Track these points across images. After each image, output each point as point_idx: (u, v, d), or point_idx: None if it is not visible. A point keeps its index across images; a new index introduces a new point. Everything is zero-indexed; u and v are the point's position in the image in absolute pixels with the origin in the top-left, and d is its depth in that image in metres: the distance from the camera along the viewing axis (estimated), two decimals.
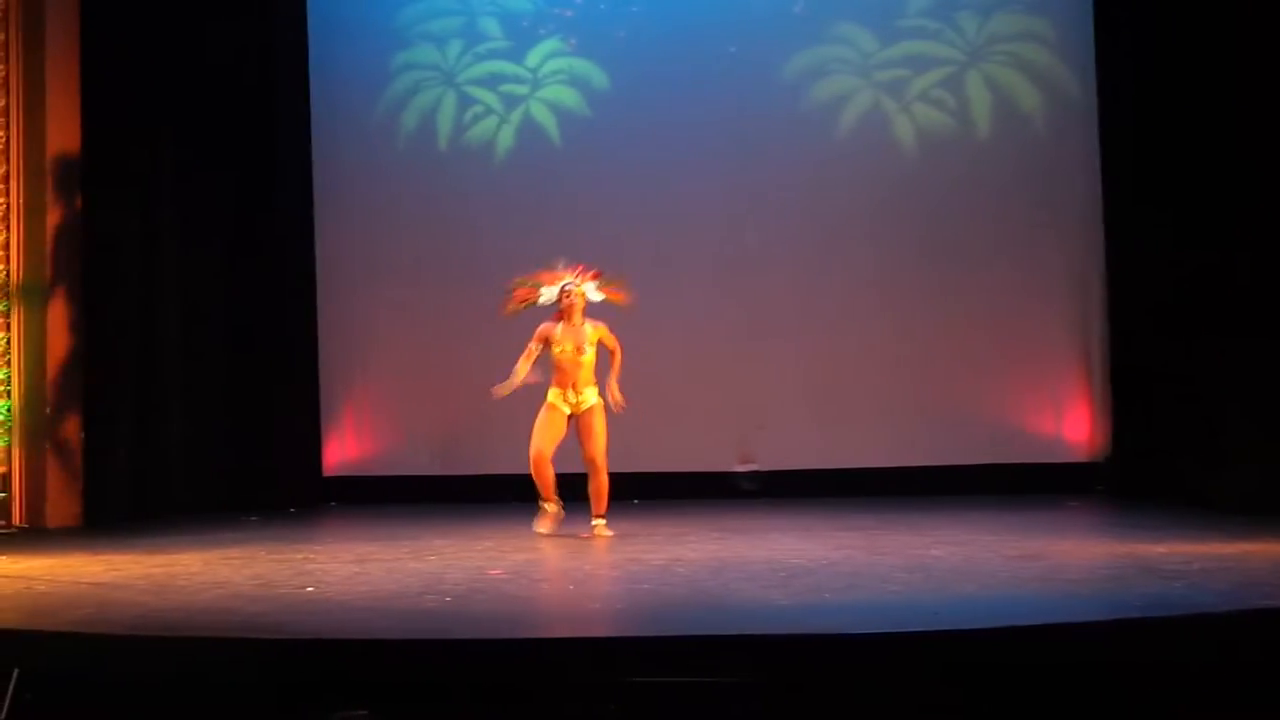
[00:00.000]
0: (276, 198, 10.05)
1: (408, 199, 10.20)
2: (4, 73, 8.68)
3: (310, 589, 5.55)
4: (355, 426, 10.24)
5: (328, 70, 10.28)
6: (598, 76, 10.09)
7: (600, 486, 7.48)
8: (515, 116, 10.15)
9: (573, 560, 6.48)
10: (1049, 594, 5.06)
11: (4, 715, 4.28)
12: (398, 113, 10.26)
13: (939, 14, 9.78)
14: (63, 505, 8.63)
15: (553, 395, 7.52)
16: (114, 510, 8.72)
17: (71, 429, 8.72)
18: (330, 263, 10.22)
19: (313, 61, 10.25)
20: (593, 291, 7.55)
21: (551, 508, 7.58)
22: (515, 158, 10.13)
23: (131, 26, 9.09)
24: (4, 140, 8.67)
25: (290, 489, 9.74)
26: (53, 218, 8.72)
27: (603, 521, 7.48)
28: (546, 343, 7.51)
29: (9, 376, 8.63)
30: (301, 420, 10.04)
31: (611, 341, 7.53)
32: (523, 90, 10.16)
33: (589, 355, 7.47)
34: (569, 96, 10.11)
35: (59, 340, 8.72)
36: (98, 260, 8.88)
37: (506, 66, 10.20)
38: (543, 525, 7.53)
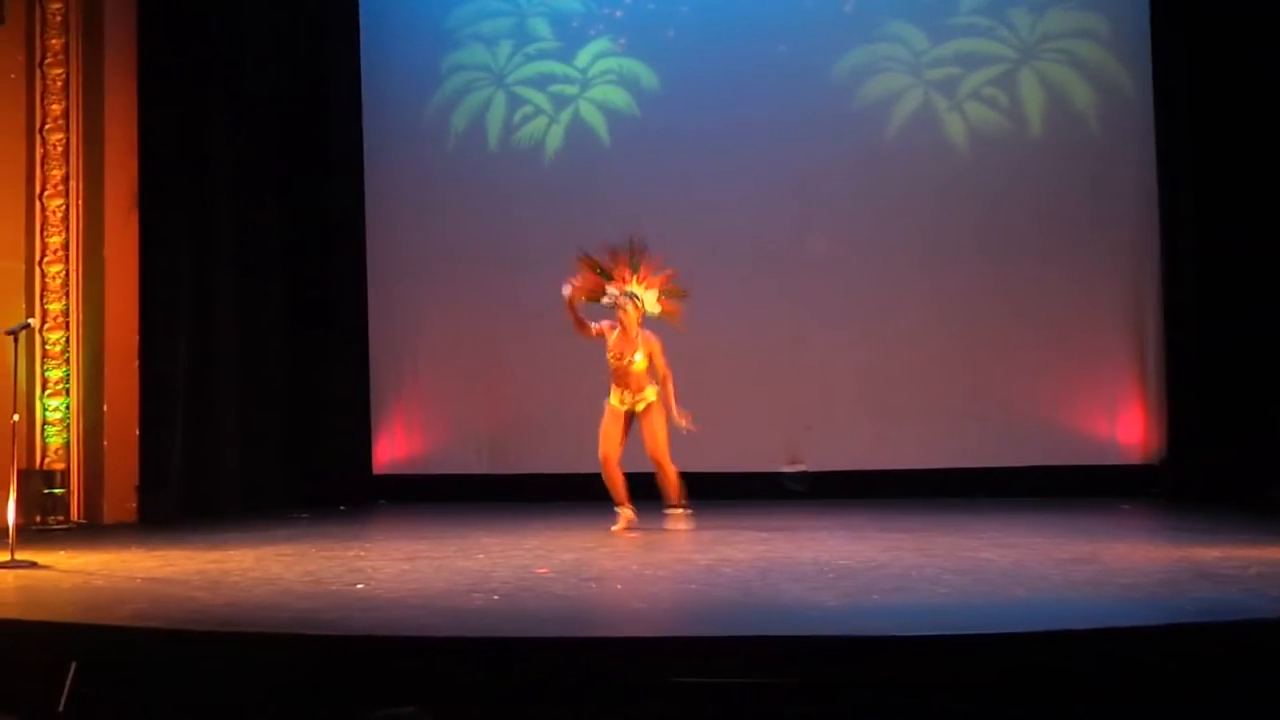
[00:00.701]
0: (328, 199, 10.15)
1: (457, 199, 10.26)
2: (64, 76, 8.84)
3: (360, 586, 5.59)
4: (405, 425, 10.32)
5: (379, 71, 10.37)
6: (647, 76, 10.09)
7: (665, 480, 7.61)
8: (565, 117, 10.18)
9: (620, 560, 6.48)
10: (1101, 598, 4.99)
11: (62, 707, 4.35)
12: (448, 113, 10.32)
13: (991, 11, 9.68)
14: (119, 501, 8.77)
15: (612, 396, 7.65)
16: (169, 507, 8.85)
17: (128, 427, 8.85)
18: (380, 262, 10.30)
19: (365, 63, 10.34)
20: (651, 303, 7.59)
21: (625, 511, 7.65)
22: (564, 158, 10.15)
23: (186, 30, 9.22)
24: (64, 143, 8.83)
25: (341, 487, 9.84)
26: (110, 218, 8.87)
27: (679, 510, 7.59)
28: (603, 336, 7.61)
29: (67, 374, 8.77)
30: (352, 419, 10.13)
31: (661, 365, 7.56)
32: (572, 90, 10.19)
33: (639, 364, 7.55)
34: (618, 97, 10.12)
35: (116, 340, 8.86)
36: (154, 261, 9.02)
37: (556, 67, 10.23)
38: (616, 526, 7.60)
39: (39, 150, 8.83)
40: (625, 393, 7.58)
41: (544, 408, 9.99)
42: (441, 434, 10.26)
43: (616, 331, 7.58)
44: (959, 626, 4.43)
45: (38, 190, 8.82)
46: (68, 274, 8.82)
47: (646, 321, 7.65)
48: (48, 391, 8.76)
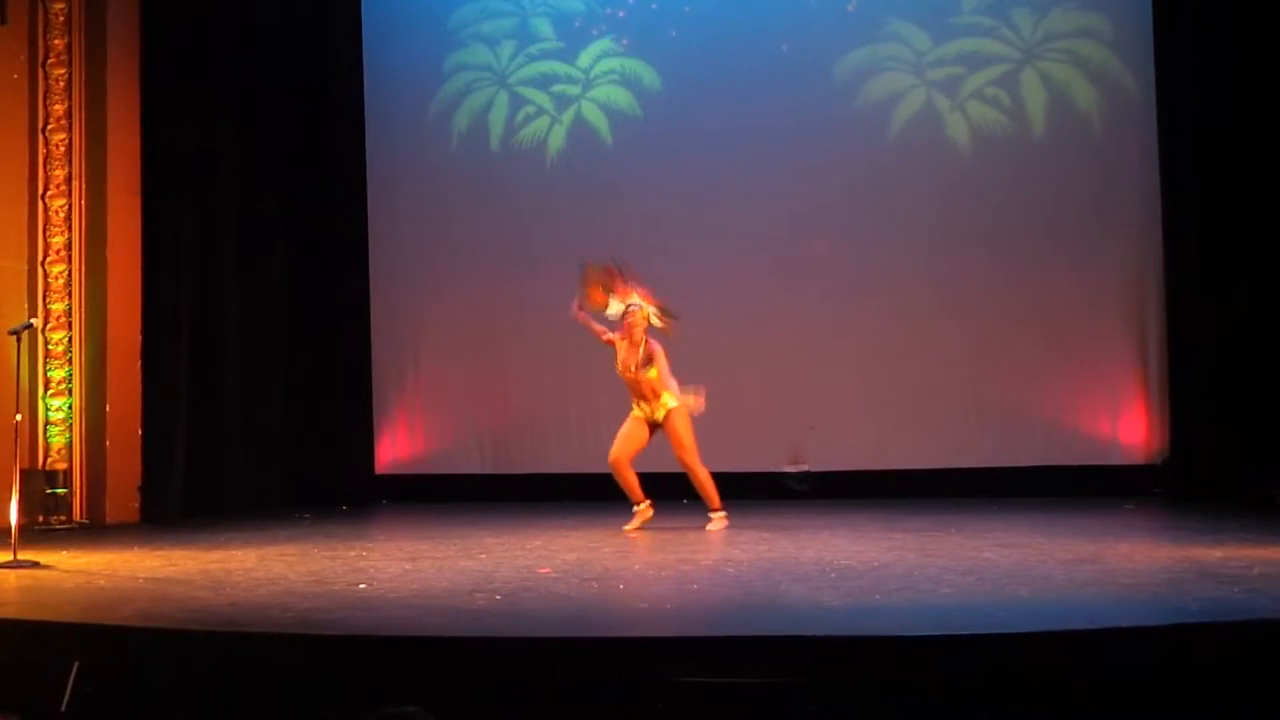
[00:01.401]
0: (331, 199, 10.17)
1: (459, 199, 10.26)
2: (66, 76, 8.84)
3: (363, 586, 5.59)
4: (407, 425, 10.32)
5: (382, 72, 10.37)
6: (649, 76, 10.09)
7: (700, 484, 7.67)
8: (567, 117, 10.18)
9: (622, 560, 6.48)
10: (1104, 598, 4.99)
11: (64, 707, 4.35)
12: (450, 113, 10.33)
13: (994, 11, 9.67)
14: (121, 501, 8.78)
15: (635, 409, 7.70)
16: (171, 507, 8.86)
17: (130, 427, 8.86)
18: (382, 262, 10.31)
19: (367, 63, 10.35)
20: (654, 317, 7.66)
21: (641, 508, 7.71)
22: (567, 158, 10.15)
23: (189, 30, 9.22)
24: (66, 143, 8.84)
25: (343, 487, 9.85)
26: (113, 218, 8.87)
27: (719, 514, 7.66)
28: (611, 345, 7.69)
29: (69, 374, 8.78)
30: (354, 419, 10.14)
31: (659, 361, 7.59)
32: (574, 91, 10.19)
33: (650, 372, 7.59)
34: (621, 97, 10.12)
35: (118, 339, 8.87)
36: (156, 261, 9.03)
37: (558, 67, 10.23)
38: (629, 525, 7.65)
39: (41, 150, 8.84)
40: (643, 403, 7.64)
41: (546, 407, 9.99)
42: (444, 434, 10.26)
43: (624, 344, 7.64)
44: (962, 627, 4.43)
45: (40, 190, 8.83)
46: (70, 274, 8.82)
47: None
48: (50, 391, 8.77)
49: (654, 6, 10.12)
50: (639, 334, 7.59)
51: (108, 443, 8.77)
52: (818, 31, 9.87)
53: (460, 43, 10.37)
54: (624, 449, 7.65)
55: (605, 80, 10.16)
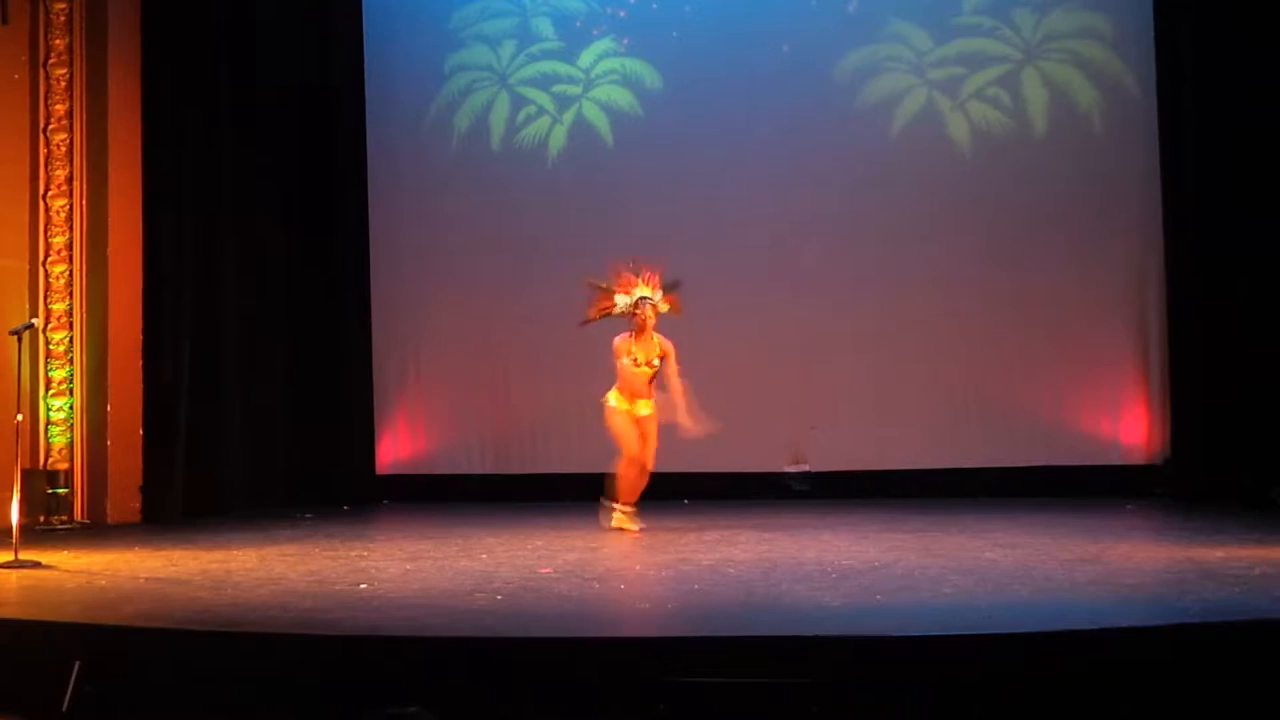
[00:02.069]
0: (332, 198, 10.16)
1: (460, 199, 10.26)
2: (68, 76, 8.85)
3: (364, 586, 5.59)
4: (408, 426, 10.32)
5: (383, 72, 10.37)
6: (650, 77, 10.09)
7: (641, 483, 7.64)
8: (568, 117, 10.18)
9: (623, 560, 6.48)
10: (1105, 598, 4.99)
11: (65, 707, 4.35)
12: (451, 113, 10.33)
13: (995, 11, 9.67)
14: (122, 501, 8.78)
15: (614, 399, 7.64)
16: (172, 507, 8.85)
17: (131, 427, 8.86)
18: (384, 262, 10.30)
19: (368, 63, 10.35)
20: (662, 304, 7.67)
21: (631, 512, 7.67)
22: (567, 158, 10.15)
23: (190, 30, 9.22)
24: (67, 143, 8.84)
25: (344, 487, 9.85)
26: (114, 218, 8.87)
27: (626, 510, 7.59)
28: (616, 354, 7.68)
29: (71, 374, 8.79)
30: (355, 419, 10.13)
31: (676, 370, 7.61)
32: (575, 91, 10.19)
33: (657, 368, 7.61)
34: (621, 97, 10.12)
35: (120, 339, 8.87)
36: (157, 261, 9.02)
37: (559, 67, 10.23)
38: (612, 523, 7.64)
39: (43, 150, 8.84)
40: (632, 399, 7.60)
41: (547, 408, 9.99)
42: (445, 434, 10.26)
43: (634, 339, 7.63)
44: (963, 627, 4.43)
45: (41, 190, 8.83)
46: (71, 274, 8.82)
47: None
48: (51, 391, 8.77)
49: (655, 7, 10.12)
50: (650, 327, 7.57)
51: (109, 443, 8.77)
52: (818, 32, 9.87)
53: (461, 43, 10.37)
54: (641, 447, 7.61)
55: (606, 80, 10.16)
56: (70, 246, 8.83)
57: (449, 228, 10.25)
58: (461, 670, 4.26)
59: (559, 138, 10.18)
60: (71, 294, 8.81)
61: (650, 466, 7.62)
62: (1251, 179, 8.64)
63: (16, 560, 6.42)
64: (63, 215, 8.83)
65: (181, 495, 8.96)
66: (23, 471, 7.04)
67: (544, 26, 10.28)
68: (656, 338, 7.63)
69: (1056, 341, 9.46)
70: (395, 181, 10.33)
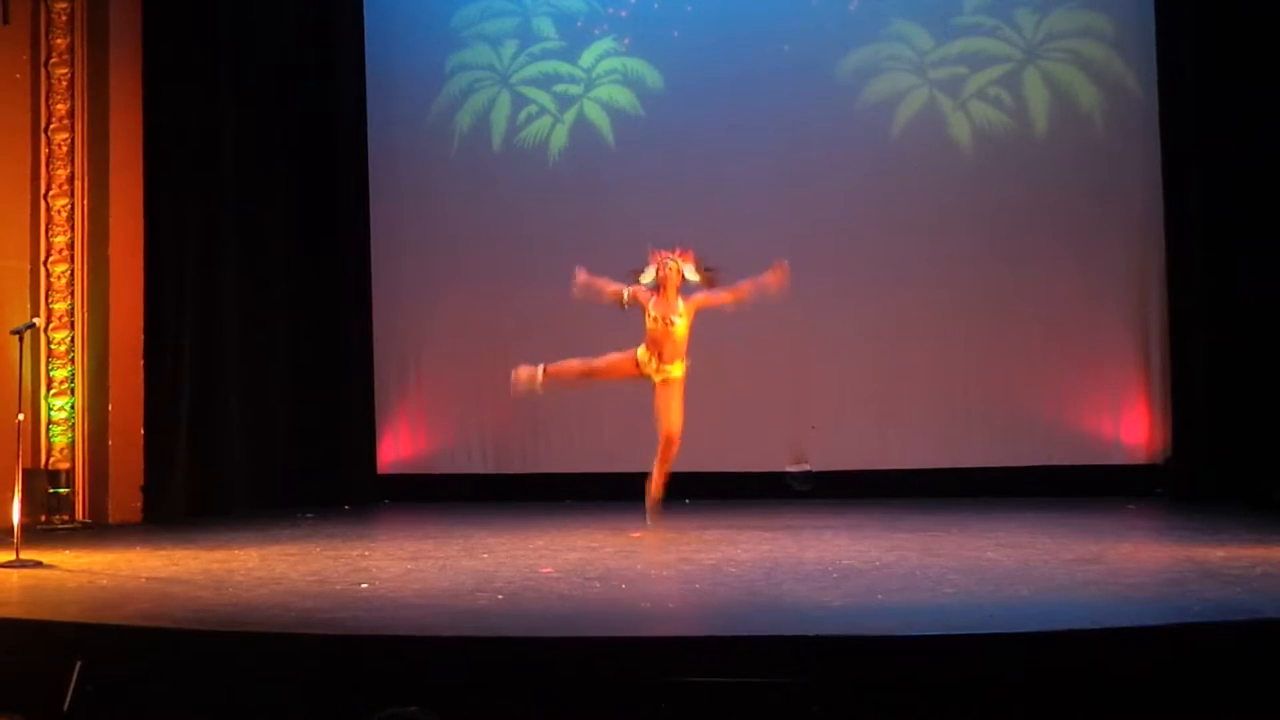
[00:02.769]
0: (333, 198, 10.16)
1: (461, 199, 10.26)
2: (69, 76, 8.85)
3: (365, 585, 5.60)
4: (409, 425, 10.32)
5: (384, 72, 10.37)
6: (651, 76, 10.09)
7: (663, 467, 7.51)
8: (569, 116, 10.18)
9: (625, 560, 6.48)
10: (1107, 598, 4.99)
11: (66, 706, 4.35)
12: (452, 113, 10.33)
13: (996, 10, 9.67)
14: (124, 501, 8.78)
15: (640, 353, 7.58)
16: (173, 507, 8.85)
17: (133, 426, 8.86)
18: (384, 262, 10.31)
19: (369, 63, 10.35)
20: (690, 271, 7.63)
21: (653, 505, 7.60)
22: (569, 158, 10.15)
23: (191, 30, 9.22)
24: (69, 142, 8.84)
25: (345, 487, 9.85)
26: (115, 218, 8.87)
27: (650, 504, 7.50)
28: (637, 303, 7.59)
29: (72, 374, 8.79)
30: (356, 419, 10.13)
31: (704, 299, 7.60)
32: (576, 90, 10.19)
33: (679, 326, 7.56)
34: (623, 96, 10.12)
35: (121, 339, 8.87)
36: (159, 260, 9.03)
37: (561, 66, 10.23)
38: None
39: (44, 150, 8.84)
40: (656, 360, 7.54)
41: (549, 407, 9.94)
42: (446, 434, 10.26)
43: (655, 297, 7.59)
44: (964, 626, 4.43)
45: (43, 190, 8.83)
46: (73, 273, 8.83)
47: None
48: (53, 391, 8.77)
49: (656, 6, 10.12)
50: (672, 288, 7.55)
51: (110, 442, 8.77)
52: (820, 31, 9.86)
53: (462, 42, 10.37)
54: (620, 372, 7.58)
55: (607, 80, 10.16)
56: (71, 246, 8.83)
57: (450, 227, 10.25)
58: (462, 670, 4.26)
59: (560, 137, 10.18)
60: (73, 293, 8.82)
61: (675, 436, 7.49)
62: (1253, 178, 8.63)
63: (18, 560, 6.42)
64: (64, 215, 8.84)
65: (183, 495, 8.96)
66: (24, 471, 7.05)
67: (545, 26, 10.28)
68: (680, 299, 7.58)
69: (1058, 341, 9.45)
70: (396, 181, 10.33)
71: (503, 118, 10.26)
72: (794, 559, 6.21)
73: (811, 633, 4.36)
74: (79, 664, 4.38)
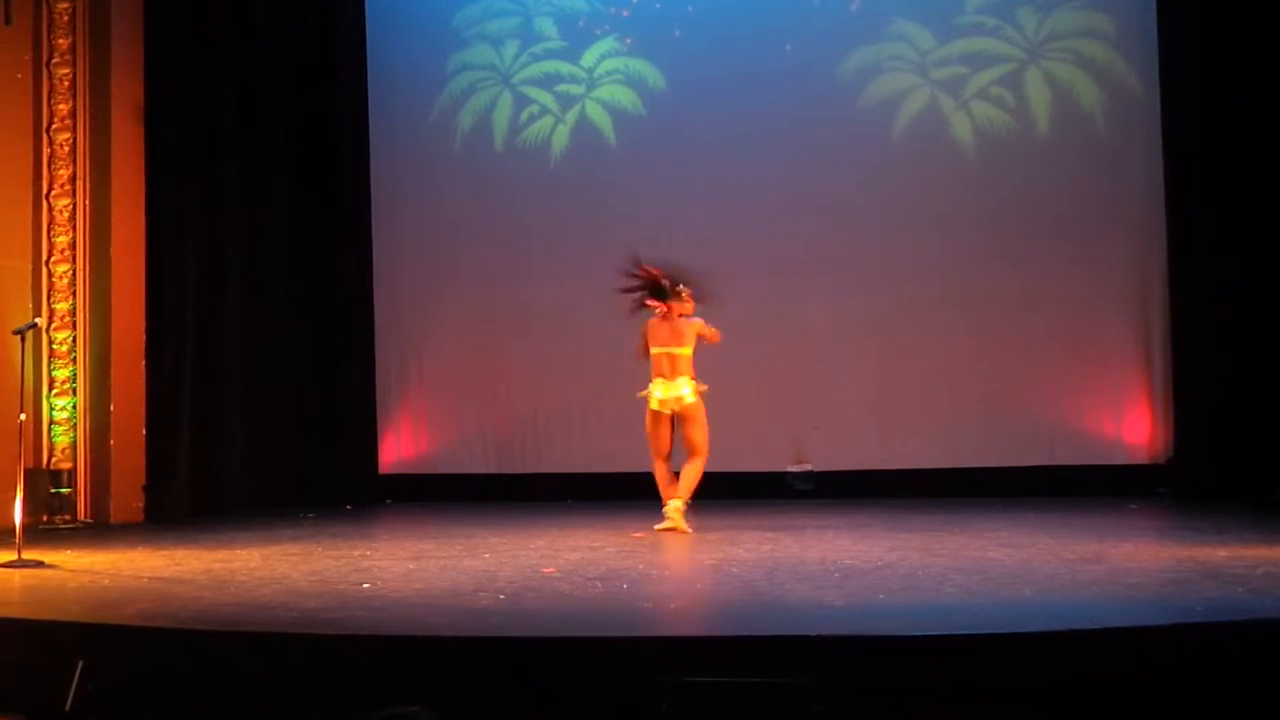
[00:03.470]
0: (335, 199, 10.17)
1: (463, 199, 10.26)
2: (71, 76, 8.86)
3: (366, 585, 5.59)
4: (411, 425, 10.33)
5: (386, 72, 10.39)
6: (653, 76, 10.09)
7: (693, 476, 7.53)
8: (571, 117, 10.18)
9: (626, 560, 6.48)
10: (1109, 598, 4.98)
11: (68, 706, 4.35)
12: (454, 113, 10.33)
13: (998, 10, 9.67)
14: (125, 501, 8.79)
15: (653, 390, 7.58)
16: (175, 506, 8.86)
17: (134, 426, 8.87)
18: (386, 263, 10.32)
19: (371, 63, 10.36)
20: (676, 297, 7.67)
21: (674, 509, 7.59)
22: (570, 158, 10.15)
23: (193, 30, 9.23)
24: (71, 142, 8.85)
25: (347, 487, 9.86)
26: (117, 218, 8.89)
27: (678, 504, 7.47)
28: (644, 337, 7.66)
29: (74, 374, 8.79)
30: (358, 419, 10.14)
31: (709, 331, 7.67)
32: (578, 90, 10.19)
33: (684, 350, 7.59)
34: (624, 96, 10.12)
35: (123, 339, 8.88)
36: (160, 260, 9.03)
37: (562, 66, 10.23)
38: (660, 525, 7.55)
39: (46, 150, 8.85)
40: (666, 387, 7.54)
41: (550, 407, 9.99)
42: (448, 434, 10.27)
43: (657, 322, 7.62)
44: (966, 626, 4.42)
45: (45, 190, 8.84)
46: (75, 273, 8.84)
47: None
48: (54, 391, 8.78)
49: (657, 6, 10.12)
50: (674, 313, 7.57)
51: (112, 442, 8.78)
52: (821, 31, 9.87)
53: (464, 42, 10.38)
54: (661, 446, 7.59)
55: (609, 80, 10.16)
56: (73, 246, 8.84)
57: (452, 227, 10.26)
58: (464, 670, 4.26)
59: (562, 137, 10.18)
60: (74, 293, 8.83)
61: (700, 447, 7.51)
62: (1255, 178, 8.62)
63: (20, 560, 6.42)
64: (66, 215, 8.85)
65: (185, 494, 8.96)
66: (26, 471, 7.05)
67: (547, 26, 10.28)
68: (683, 322, 7.60)
69: (1059, 341, 9.45)
70: (398, 181, 10.34)
71: (504, 117, 10.27)
72: (796, 559, 6.20)
73: (813, 633, 4.35)
74: (81, 664, 4.38)
